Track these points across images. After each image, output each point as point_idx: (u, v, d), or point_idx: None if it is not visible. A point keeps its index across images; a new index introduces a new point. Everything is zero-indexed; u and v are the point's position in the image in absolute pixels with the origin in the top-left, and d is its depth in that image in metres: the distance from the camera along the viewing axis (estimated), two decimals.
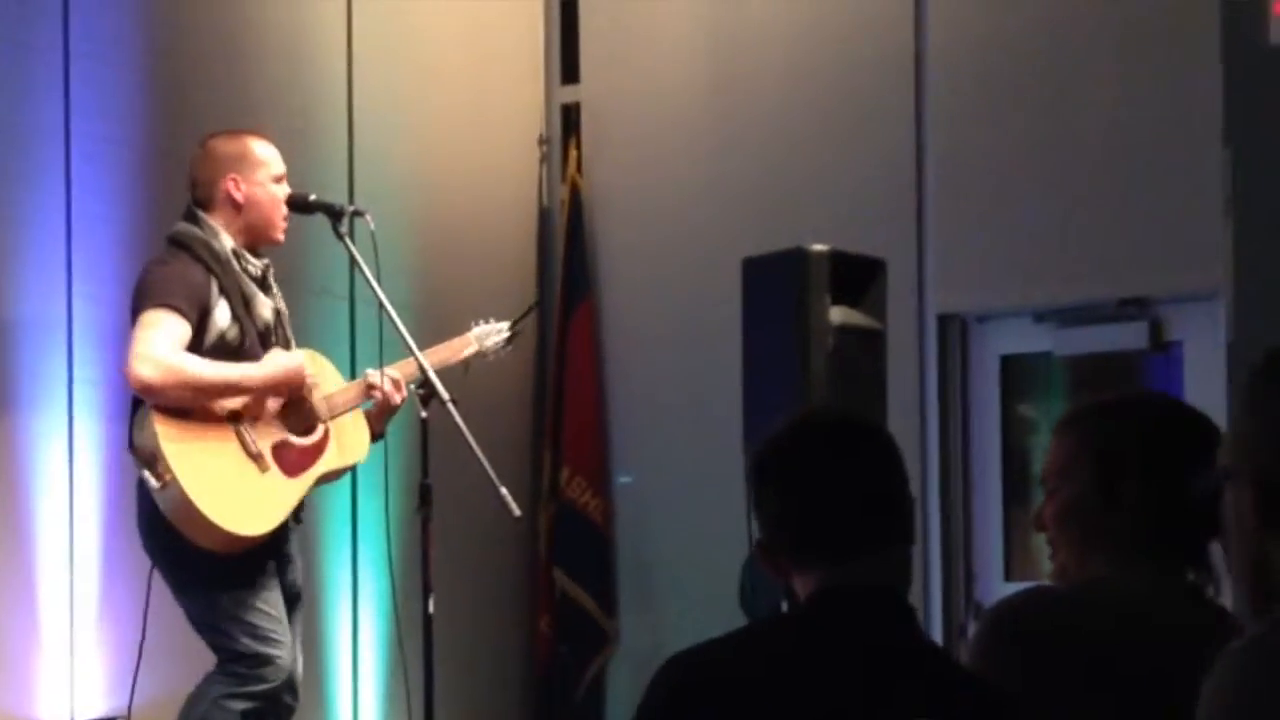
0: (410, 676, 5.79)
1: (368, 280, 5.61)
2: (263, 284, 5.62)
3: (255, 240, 5.62)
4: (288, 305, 5.76)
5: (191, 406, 5.36)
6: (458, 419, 5.43)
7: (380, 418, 5.75)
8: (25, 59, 6.61)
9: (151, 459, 5.31)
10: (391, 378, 5.65)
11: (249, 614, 5.43)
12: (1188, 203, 7.32)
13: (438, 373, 5.65)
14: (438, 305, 7.52)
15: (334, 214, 5.68)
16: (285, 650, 5.47)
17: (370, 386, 5.66)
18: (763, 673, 2.74)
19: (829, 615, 2.78)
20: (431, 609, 5.56)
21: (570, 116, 8.87)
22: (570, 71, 8.87)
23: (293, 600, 5.64)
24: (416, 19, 8.21)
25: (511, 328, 6.11)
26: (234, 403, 5.44)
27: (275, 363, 5.51)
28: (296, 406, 5.57)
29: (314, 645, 7.31)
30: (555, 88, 8.89)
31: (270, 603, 5.49)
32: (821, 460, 2.84)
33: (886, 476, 2.85)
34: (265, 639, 5.44)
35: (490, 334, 6.06)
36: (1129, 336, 7.59)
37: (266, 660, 5.43)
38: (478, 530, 7.37)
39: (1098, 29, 7.59)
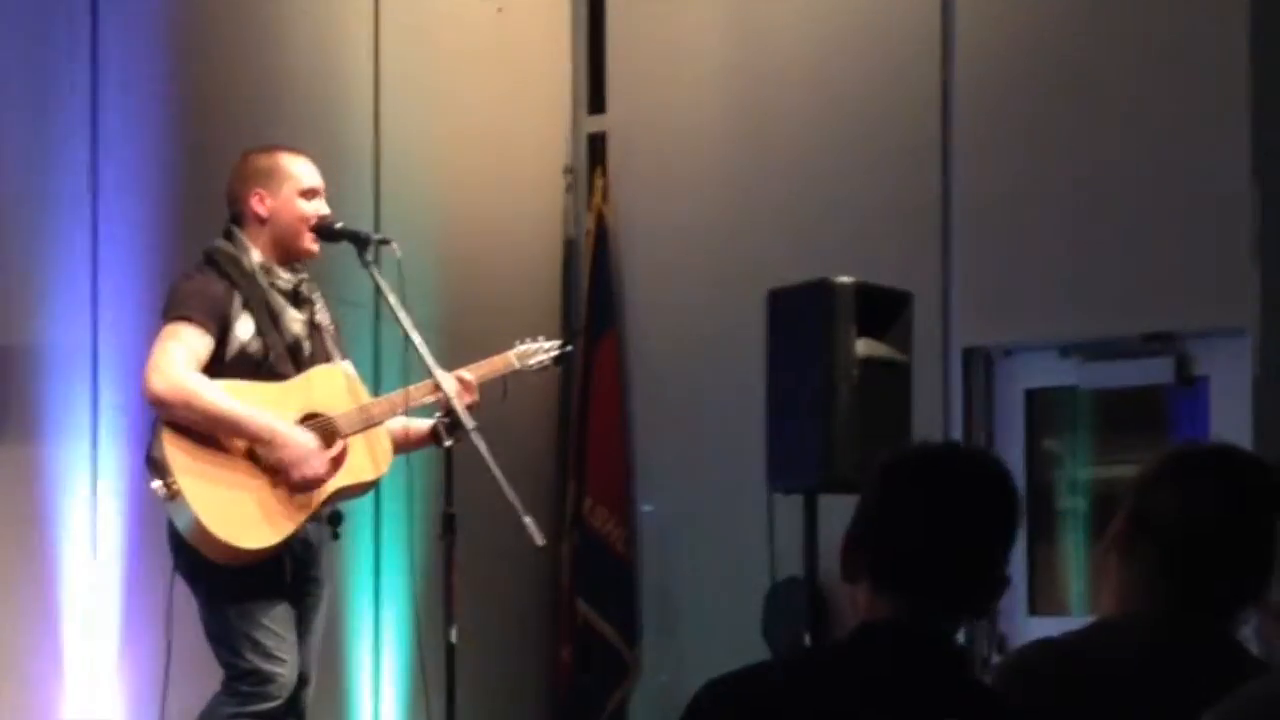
0: (432, 705, 5.78)
1: (392, 309, 5.60)
2: (295, 298, 5.63)
3: (285, 254, 5.63)
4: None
5: (191, 427, 5.38)
6: (482, 448, 5.43)
7: (408, 441, 5.74)
8: (52, 88, 6.63)
9: (162, 470, 5.34)
10: (464, 378, 5.69)
11: (254, 630, 5.43)
12: (1215, 238, 7.30)
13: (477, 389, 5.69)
14: (463, 334, 7.51)
15: (360, 242, 5.67)
16: (288, 669, 5.47)
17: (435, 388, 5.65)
18: (793, 703, 2.73)
19: (868, 650, 2.77)
20: (454, 638, 5.55)
21: (596, 146, 8.88)
22: (597, 101, 8.88)
23: (306, 626, 5.62)
24: (443, 48, 8.22)
25: (561, 348, 6.10)
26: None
27: (287, 429, 5.45)
28: (315, 421, 5.55)
29: (337, 672, 7.31)
30: (582, 117, 8.90)
31: (277, 620, 5.48)
32: (938, 499, 2.81)
33: (986, 539, 2.83)
34: (269, 656, 5.44)
35: (534, 353, 6.03)
36: (1155, 371, 7.57)
37: (268, 678, 5.43)
38: (500, 559, 7.36)
39: (1126, 64, 7.58)
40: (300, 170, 5.68)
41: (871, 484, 2.86)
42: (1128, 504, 3.05)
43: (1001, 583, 2.84)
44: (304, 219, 5.63)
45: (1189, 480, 3.01)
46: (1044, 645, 3.04)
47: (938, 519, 2.79)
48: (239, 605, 5.44)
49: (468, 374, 5.74)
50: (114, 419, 6.60)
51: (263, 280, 5.55)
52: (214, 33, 7.26)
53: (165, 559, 5.53)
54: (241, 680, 5.44)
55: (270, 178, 5.64)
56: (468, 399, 5.67)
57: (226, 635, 5.45)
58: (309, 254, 5.67)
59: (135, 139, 6.83)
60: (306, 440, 5.46)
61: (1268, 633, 2.74)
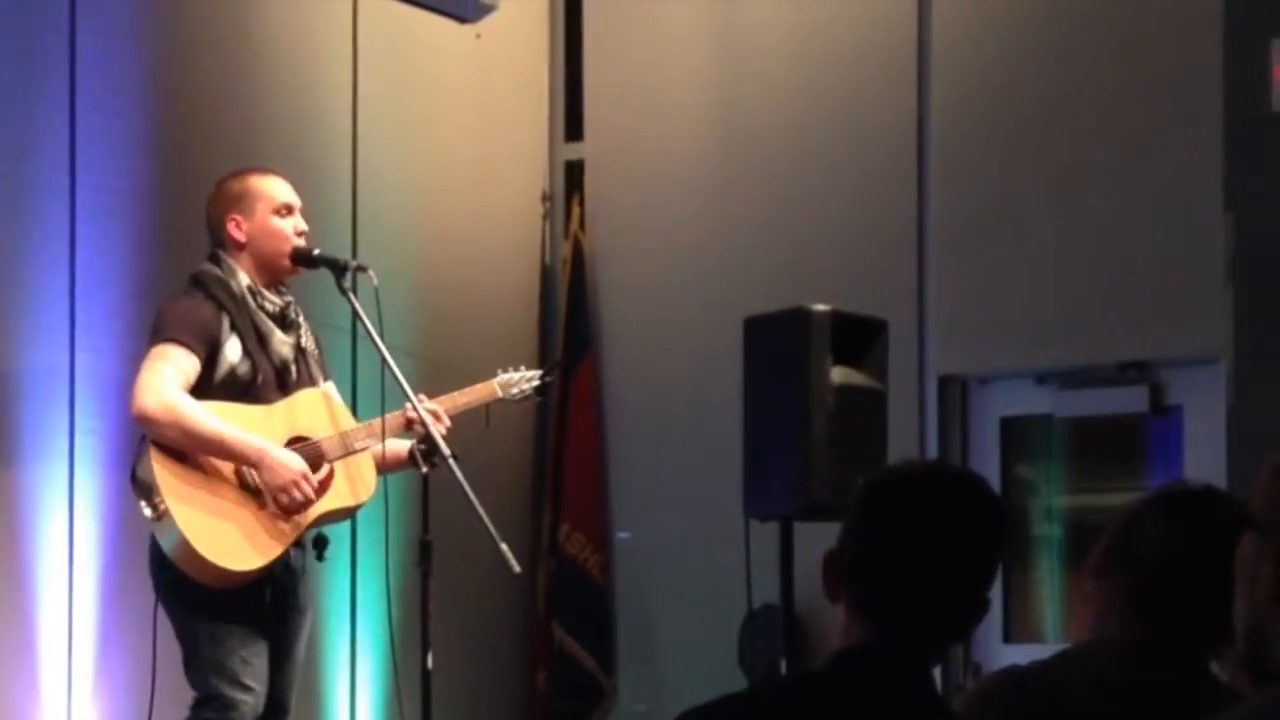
0: None
1: (370, 336, 5.61)
2: (282, 321, 5.63)
3: (269, 275, 5.63)
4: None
5: (178, 448, 5.38)
6: (459, 475, 5.43)
7: (384, 462, 5.73)
8: (30, 110, 6.64)
9: (149, 491, 5.34)
10: (431, 409, 5.66)
11: (224, 655, 5.41)
12: (1189, 267, 7.34)
13: (457, 416, 5.68)
14: (440, 360, 7.52)
15: (337, 269, 5.67)
16: (254, 697, 5.44)
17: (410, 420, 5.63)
18: None
19: (846, 679, 2.77)
20: (430, 664, 5.55)
21: (573, 173, 8.89)
22: (574, 129, 8.89)
23: (287, 653, 5.61)
24: (421, 74, 8.24)
25: (543, 378, 6.10)
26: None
27: (277, 452, 5.46)
28: (300, 445, 5.55)
29: (313, 698, 7.29)
30: (559, 144, 8.92)
31: (249, 647, 5.46)
32: (914, 526, 2.77)
33: (965, 564, 2.79)
34: (235, 682, 5.42)
35: (517, 383, 6.03)
36: (1130, 400, 7.60)
37: (232, 705, 5.41)
38: (477, 586, 7.36)
39: (1100, 93, 7.62)
40: (272, 189, 5.68)
41: (853, 504, 2.83)
42: (1112, 532, 3.06)
43: (981, 607, 2.81)
44: (283, 237, 5.63)
45: (1175, 516, 3.02)
46: (1010, 673, 3.05)
47: (913, 545, 2.76)
48: (211, 628, 5.43)
49: (437, 405, 5.70)
50: (91, 442, 6.60)
51: (251, 303, 5.56)
52: (192, 57, 7.27)
53: (143, 581, 5.53)
54: (205, 706, 5.42)
55: (242, 201, 5.64)
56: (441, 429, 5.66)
57: (195, 658, 5.44)
58: (292, 272, 5.68)
59: (113, 161, 6.83)
60: (295, 463, 5.45)
61: (1233, 679, 2.74)
